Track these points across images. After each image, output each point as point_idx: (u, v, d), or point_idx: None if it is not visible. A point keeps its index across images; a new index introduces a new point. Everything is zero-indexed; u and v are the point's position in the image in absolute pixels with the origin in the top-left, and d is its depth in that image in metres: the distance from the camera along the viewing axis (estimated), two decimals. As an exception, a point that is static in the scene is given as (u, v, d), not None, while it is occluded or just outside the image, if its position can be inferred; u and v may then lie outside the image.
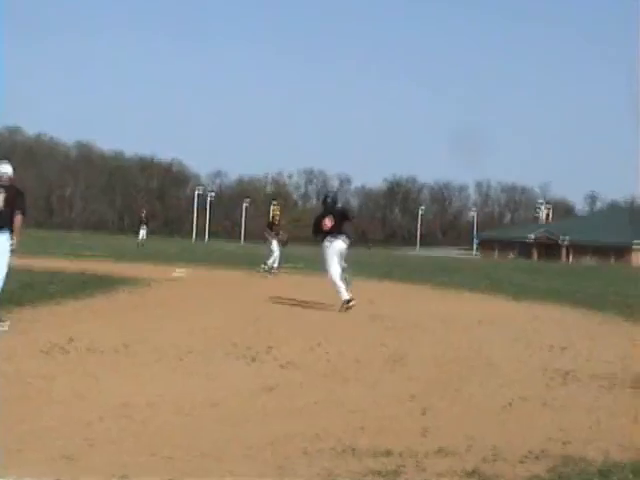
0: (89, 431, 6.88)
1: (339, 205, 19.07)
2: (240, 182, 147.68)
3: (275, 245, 30.62)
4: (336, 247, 17.86)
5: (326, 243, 17.88)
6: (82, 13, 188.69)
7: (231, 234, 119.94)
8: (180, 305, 17.52)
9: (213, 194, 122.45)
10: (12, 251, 13.17)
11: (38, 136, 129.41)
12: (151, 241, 59.04)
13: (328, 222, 17.96)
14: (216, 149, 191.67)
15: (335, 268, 17.74)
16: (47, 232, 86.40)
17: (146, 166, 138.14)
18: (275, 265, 30.36)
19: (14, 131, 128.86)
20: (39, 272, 23.50)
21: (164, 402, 8.08)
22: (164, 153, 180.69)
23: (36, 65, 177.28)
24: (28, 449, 6.31)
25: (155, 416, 7.52)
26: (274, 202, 31.71)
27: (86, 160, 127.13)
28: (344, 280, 17.77)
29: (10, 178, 13.13)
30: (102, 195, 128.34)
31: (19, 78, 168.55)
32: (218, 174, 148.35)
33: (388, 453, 6.55)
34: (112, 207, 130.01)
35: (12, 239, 12.99)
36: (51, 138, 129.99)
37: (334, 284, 17.65)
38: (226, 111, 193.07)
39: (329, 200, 18.60)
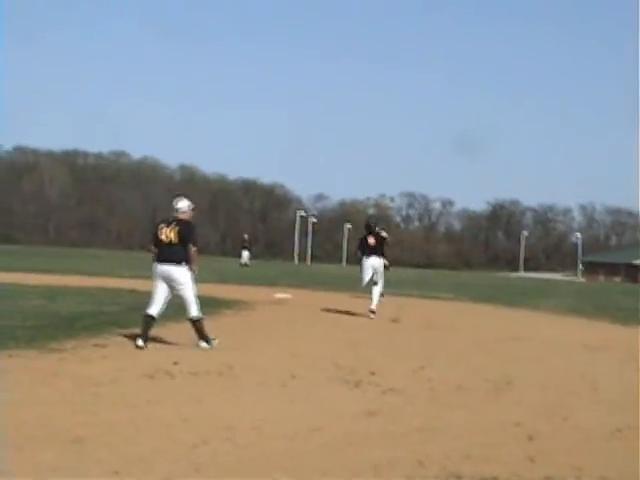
0: (194, 455, 6.94)
1: (378, 229, 21.88)
2: (342, 205, 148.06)
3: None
4: (371, 262, 21.13)
5: (364, 258, 21.17)
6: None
7: (333, 257, 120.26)
8: (283, 328, 17.59)
9: (315, 219, 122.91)
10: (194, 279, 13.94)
11: (143, 159, 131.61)
12: (253, 264, 59.49)
13: (371, 241, 21.18)
14: (318, 172, 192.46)
15: (365, 279, 21.25)
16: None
17: (249, 189, 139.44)
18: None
19: (120, 154, 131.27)
20: (144, 295, 23.84)
21: (267, 426, 8.10)
22: (267, 176, 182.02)
23: (142, 92, 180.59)
24: (135, 472, 6.38)
25: (259, 440, 7.54)
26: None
27: (190, 183, 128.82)
28: (377, 294, 21.20)
29: (184, 213, 14.00)
30: (205, 217, 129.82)
31: (124, 104, 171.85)
32: (320, 197, 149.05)
33: (494, 480, 6.46)
34: (215, 229, 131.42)
35: (193, 270, 13.79)
36: (156, 161, 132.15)
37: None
38: (327, 136, 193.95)
39: (372, 224, 22.12)
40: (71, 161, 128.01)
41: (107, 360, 11.95)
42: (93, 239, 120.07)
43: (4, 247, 78.69)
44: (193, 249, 13.84)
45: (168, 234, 13.73)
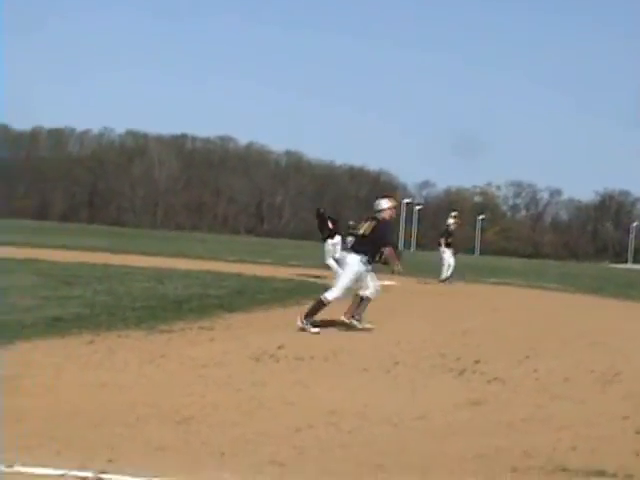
0: (298, 438, 6.98)
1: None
2: (447, 193, 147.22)
3: (448, 255, 30.39)
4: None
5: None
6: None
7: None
8: (387, 315, 17.56)
9: (420, 206, 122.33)
10: (398, 273, 15.37)
11: (250, 144, 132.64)
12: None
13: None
14: (424, 159, 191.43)
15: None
16: (257, 239, 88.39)
17: (355, 175, 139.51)
18: (448, 274, 30.11)
19: (227, 140, 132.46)
20: (249, 279, 24.08)
21: (371, 412, 8.11)
22: (373, 163, 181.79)
23: (249, 77, 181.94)
24: (240, 453, 6.45)
25: (362, 426, 7.56)
26: (453, 213, 31.34)
27: (296, 168, 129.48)
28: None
29: (382, 211, 14.75)
30: (311, 203, 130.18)
31: (230, 90, 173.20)
32: (425, 184, 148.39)
33: (601, 473, 6.36)
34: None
35: (396, 269, 14.84)
36: (262, 146, 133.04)
37: None
38: (435, 124, 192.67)
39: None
40: (180, 145, 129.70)
41: (213, 342, 12.10)
42: (199, 223, 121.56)
43: (113, 229, 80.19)
44: (387, 249, 14.65)
45: (366, 228, 14.65)
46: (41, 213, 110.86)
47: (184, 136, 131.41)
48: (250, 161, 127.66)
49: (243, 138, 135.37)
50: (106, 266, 25.10)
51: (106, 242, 45.34)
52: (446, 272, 30.23)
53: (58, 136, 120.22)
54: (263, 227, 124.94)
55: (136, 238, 56.71)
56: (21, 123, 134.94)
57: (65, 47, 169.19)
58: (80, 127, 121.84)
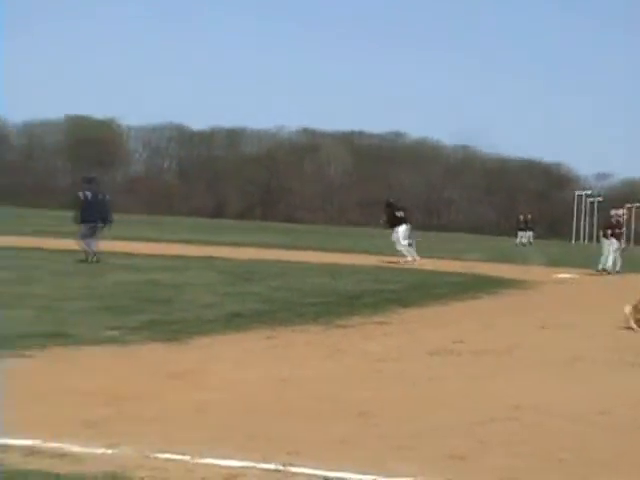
0: (480, 432, 6.91)
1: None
2: (627, 184, 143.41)
3: (612, 246, 29.49)
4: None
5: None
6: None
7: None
8: (565, 308, 17.25)
9: (600, 198, 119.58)
10: None
11: (421, 139, 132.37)
12: (535, 244, 58.61)
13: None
14: (602, 151, 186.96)
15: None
16: (428, 233, 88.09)
17: (528, 168, 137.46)
18: (609, 265, 29.20)
19: (398, 135, 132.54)
20: (424, 273, 24.04)
21: (553, 407, 7.97)
22: (549, 155, 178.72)
23: (416, 72, 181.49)
24: (418, 447, 6.44)
25: (544, 421, 7.43)
26: (627, 206, 30.47)
27: (467, 163, 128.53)
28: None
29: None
30: (484, 197, 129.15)
31: (401, 88, 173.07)
32: (603, 176, 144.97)
33: None
34: (493, 209, 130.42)
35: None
36: (434, 141, 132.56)
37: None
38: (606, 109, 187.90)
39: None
40: (351, 142, 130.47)
41: (389, 337, 12.12)
42: (371, 219, 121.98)
43: (286, 226, 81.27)
44: None
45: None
46: (218, 211, 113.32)
47: (355, 132, 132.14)
48: (421, 156, 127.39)
49: (414, 133, 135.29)
50: (281, 262, 25.48)
51: (280, 239, 46.00)
52: (608, 263, 29.37)
53: (235, 136, 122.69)
54: (433, 221, 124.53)
55: (309, 234, 57.32)
56: (199, 123, 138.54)
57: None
58: (256, 126, 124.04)
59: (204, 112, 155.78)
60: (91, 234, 22.14)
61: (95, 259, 21.44)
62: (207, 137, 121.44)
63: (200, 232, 48.08)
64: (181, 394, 7.87)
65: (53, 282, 16.57)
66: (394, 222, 28.65)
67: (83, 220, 22.36)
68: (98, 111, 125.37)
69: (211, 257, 25.82)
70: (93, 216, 22.23)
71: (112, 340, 10.54)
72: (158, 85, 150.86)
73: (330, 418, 7.21)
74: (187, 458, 5.77)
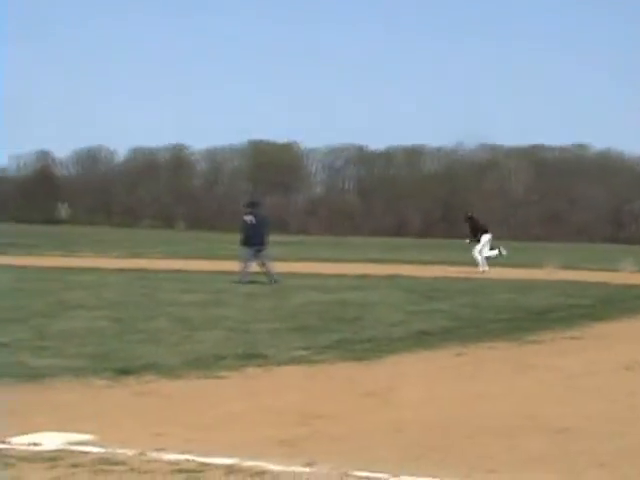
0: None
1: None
2: None
3: None
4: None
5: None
6: None
7: None
8: None
9: None
10: None
11: (606, 151, 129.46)
12: None
13: None
14: None
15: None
16: (615, 246, 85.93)
17: None
18: None
19: (581, 147, 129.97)
20: (615, 287, 23.40)
21: None
22: None
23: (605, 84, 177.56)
24: (622, 465, 6.22)
25: None
26: None
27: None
28: None
29: None
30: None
31: (586, 99, 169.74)
32: None
33: None
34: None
35: None
36: (619, 152, 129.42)
37: None
38: None
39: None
40: (532, 155, 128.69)
41: (582, 352, 11.86)
42: (553, 233, 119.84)
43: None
44: None
45: None
46: (398, 230, 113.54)
47: (538, 146, 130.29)
48: (607, 168, 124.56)
49: (599, 145, 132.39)
50: (466, 279, 25.27)
51: (463, 256, 45.60)
52: None
53: (413, 154, 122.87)
54: (620, 234, 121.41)
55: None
56: (377, 143, 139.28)
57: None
58: (434, 144, 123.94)
59: (381, 132, 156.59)
60: (254, 257, 22.47)
61: (274, 280, 21.68)
62: (386, 156, 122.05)
63: (382, 251, 48.19)
64: (375, 412, 7.87)
65: (242, 304, 16.87)
66: (478, 235, 29.50)
67: (246, 243, 22.75)
68: (279, 135, 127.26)
69: (395, 275, 25.81)
70: (256, 239, 22.53)
71: (303, 360, 10.66)
72: (336, 108, 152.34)
73: (527, 435, 7.06)
74: (386, 476, 5.74)
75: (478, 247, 29.22)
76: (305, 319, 14.49)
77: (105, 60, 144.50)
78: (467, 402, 8.40)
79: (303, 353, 11.07)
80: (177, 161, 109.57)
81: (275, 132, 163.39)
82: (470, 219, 30.48)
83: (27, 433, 6.75)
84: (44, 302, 16.31)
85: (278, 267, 22.79)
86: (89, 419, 7.41)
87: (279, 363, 10.40)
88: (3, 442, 6.52)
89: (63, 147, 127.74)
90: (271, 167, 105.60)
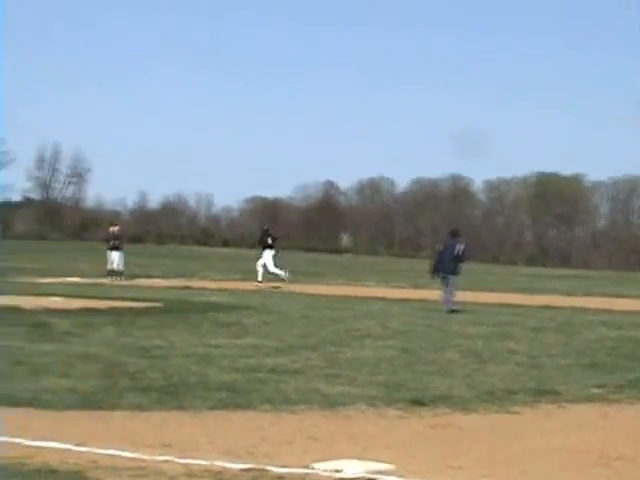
0: None
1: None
2: None
3: None
4: None
5: None
6: None
7: None
8: None
9: None
10: None
11: None
12: None
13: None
14: None
15: None
16: None
17: None
18: None
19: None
20: None
21: None
22: None
23: None
24: None
25: None
26: None
27: None
28: None
29: None
30: None
31: None
32: None
33: None
34: None
35: None
36: None
37: None
38: None
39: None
40: None
41: None
42: None
43: None
44: None
45: None
46: None
47: None
48: None
49: None
50: None
51: None
52: None
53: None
54: None
55: None
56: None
57: None
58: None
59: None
60: (445, 285, 22.33)
61: (457, 309, 21.40)
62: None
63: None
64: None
65: (529, 337, 16.62)
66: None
67: (435, 271, 22.73)
68: (562, 167, 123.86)
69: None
70: (443, 267, 22.37)
71: (598, 398, 10.38)
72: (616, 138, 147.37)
73: None
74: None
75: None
76: (596, 355, 14.11)
77: (383, 93, 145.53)
78: None
79: (597, 391, 10.78)
80: (457, 191, 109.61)
81: (558, 164, 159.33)
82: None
83: (329, 460, 6.91)
84: (333, 330, 16.71)
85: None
86: (386, 448, 7.50)
87: (573, 400, 10.17)
88: (307, 467, 6.71)
89: (347, 177, 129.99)
90: (554, 199, 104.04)
